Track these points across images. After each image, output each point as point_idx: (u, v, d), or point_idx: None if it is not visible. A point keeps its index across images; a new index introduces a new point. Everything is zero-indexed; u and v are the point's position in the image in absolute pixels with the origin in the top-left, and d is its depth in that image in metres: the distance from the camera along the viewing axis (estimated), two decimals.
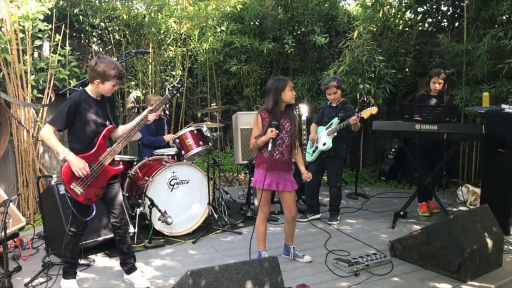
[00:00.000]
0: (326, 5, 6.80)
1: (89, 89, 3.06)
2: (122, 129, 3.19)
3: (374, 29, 6.04)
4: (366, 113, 4.26)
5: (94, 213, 3.16)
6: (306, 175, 3.55)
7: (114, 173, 3.13)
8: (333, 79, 4.47)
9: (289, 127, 3.43)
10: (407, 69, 6.15)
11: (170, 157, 4.70)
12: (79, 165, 2.91)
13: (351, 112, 4.39)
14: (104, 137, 3.05)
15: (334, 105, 4.52)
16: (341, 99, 4.51)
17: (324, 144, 4.42)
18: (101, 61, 2.97)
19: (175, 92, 3.40)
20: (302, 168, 3.58)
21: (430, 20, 6.41)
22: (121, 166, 3.21)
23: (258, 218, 3.52)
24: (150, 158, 4.51)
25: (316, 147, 4.52)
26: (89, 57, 6.38)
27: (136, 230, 4.03)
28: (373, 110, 4.31)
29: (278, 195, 3.65)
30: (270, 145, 3.30)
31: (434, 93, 4.60)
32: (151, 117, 3.20)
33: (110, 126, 3.08)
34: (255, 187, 3.51)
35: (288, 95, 3.37)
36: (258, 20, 7.28)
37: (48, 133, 2.96)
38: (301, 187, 4.81)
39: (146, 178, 4.17)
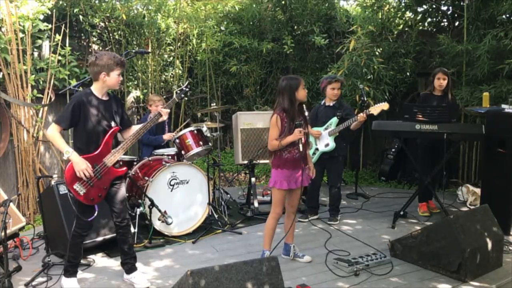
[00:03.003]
0: (326, 5, 6.79)
1: (94, 88, 3.06)
2: (132, 130, 3.20)
3: (374, 30, 6.03)
4: (376, 110, 4.17)
5: (96, 214, 3.16)
6: (313, 171, 3.57)
7: (118, 175, 3.13)
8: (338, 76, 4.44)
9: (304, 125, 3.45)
10: (407, 70, 6.14)
11: (170, 157, 4.70)
12: (82, 166, 2.91)
13: (349, 110, 4.37)
14: (108, 138, 3.04)
15: (331, 104, 4.47)
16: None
17: (327, 145, 4.39)
18: (100, 55, 3.02)
19: (183, 95, 3.41)
20: (311, 165, 3.58)
21: (430, 20, 6.40)
22: (124, 168, 3.20)
23: (272, 217, 3.49)
24: (150, 158, 4.51)
25: (317, 149, 4.51)
26: (89, 57, 6.38)
27: (136, 230, 4.02)
28: (384, 106, 4.21)
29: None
30: (301, 145, 3.31)
31: (438, 92, 4.58)
32: (165, 112, 3.20)
33: (115, 128, 3.08)
34: (275, 187, 3.43)
35: (302, 93, 3.40)
36: (257, 21, 7.28)
37: (53, 132, 2.96)
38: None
39: (146, 178, 4.17)
